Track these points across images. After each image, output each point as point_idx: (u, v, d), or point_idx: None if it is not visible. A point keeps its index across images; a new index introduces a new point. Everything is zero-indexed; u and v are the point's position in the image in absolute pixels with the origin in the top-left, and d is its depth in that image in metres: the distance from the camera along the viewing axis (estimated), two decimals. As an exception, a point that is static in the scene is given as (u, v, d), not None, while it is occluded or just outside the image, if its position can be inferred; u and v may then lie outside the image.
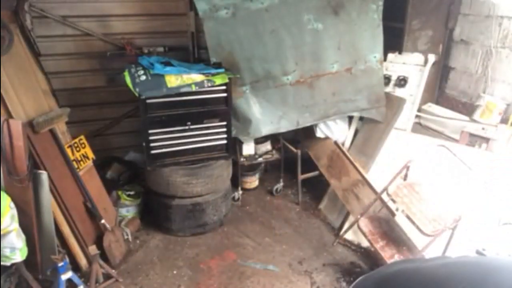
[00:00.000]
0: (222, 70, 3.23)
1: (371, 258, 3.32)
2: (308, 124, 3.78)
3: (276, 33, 3.41)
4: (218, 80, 3.15)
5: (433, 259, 1.04)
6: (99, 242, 3.09)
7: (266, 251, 3.44)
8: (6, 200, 2.37)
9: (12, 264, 2.48)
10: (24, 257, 2.48)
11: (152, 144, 3.29)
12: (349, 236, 3.52)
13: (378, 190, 3.25)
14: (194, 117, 3.30)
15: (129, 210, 3.72)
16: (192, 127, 3.32)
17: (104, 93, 4.06)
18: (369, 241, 3.04)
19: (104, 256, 3.07)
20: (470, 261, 0.98)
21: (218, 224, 3.71)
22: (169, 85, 3.03)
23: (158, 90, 3.01)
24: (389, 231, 3.11)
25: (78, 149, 3.12)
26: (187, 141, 3.39)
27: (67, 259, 2.68)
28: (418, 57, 3.82)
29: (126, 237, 3.46)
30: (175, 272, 3.19)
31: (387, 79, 3.90)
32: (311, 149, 4.23)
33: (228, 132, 3.48)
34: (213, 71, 3.20)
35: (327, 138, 4.02)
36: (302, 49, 3.50)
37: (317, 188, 4.26)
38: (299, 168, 4.11)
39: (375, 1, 3.45)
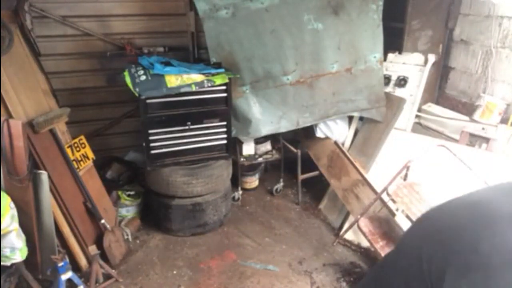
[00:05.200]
0: (222, 70, 3.23)
1: (371, 258, 3.32)
2: (308, 124, 3.78)
3: (276, 33, 3.41)
4: (218, 80, 3.15)
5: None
6: (99, 242, 3.09)
7: (266, 251, 3.44)
8: (6, 200, 2.37)
9: (12, 264, 2.48)
10: (24, 257, 2.48)
11: (152, 144, 3.28)
12: (349, 236, 3.52)
13: (378, 190, 3.24)
14: (194, 117, 3.30)
15: (129, 210, 3.72)
16: (192, 127, 3.32)
17: (104, 93, 4.06)
18: (369, 241, 3.04)
19: (104, 256, 3.07)
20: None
21: (218, 224, 3.71)
22: (169, 85, 3.03)
23: (158, 90, 3.01)
24: (389, 231, 3.11)
25: (78, 149, 3.12)
26: (187, 141, 3.39)
27: (67, 259, 2.67)
28: (418, 57, 3.82)
29: (126, 237, 3.46)
30: (175, 272, 3.19)
31: (387, 79, 3.90)
32: (311, 149, 4.23)
33: (228, 132, 3.48)
34: (213, 71, 3.20)
35: (327, 138, 4.02)
36: (302, 49, 3.50)
37: (317, 188, 4.26)
38: (299, 168, 4.11)
39: (375, 1, 3.45)
